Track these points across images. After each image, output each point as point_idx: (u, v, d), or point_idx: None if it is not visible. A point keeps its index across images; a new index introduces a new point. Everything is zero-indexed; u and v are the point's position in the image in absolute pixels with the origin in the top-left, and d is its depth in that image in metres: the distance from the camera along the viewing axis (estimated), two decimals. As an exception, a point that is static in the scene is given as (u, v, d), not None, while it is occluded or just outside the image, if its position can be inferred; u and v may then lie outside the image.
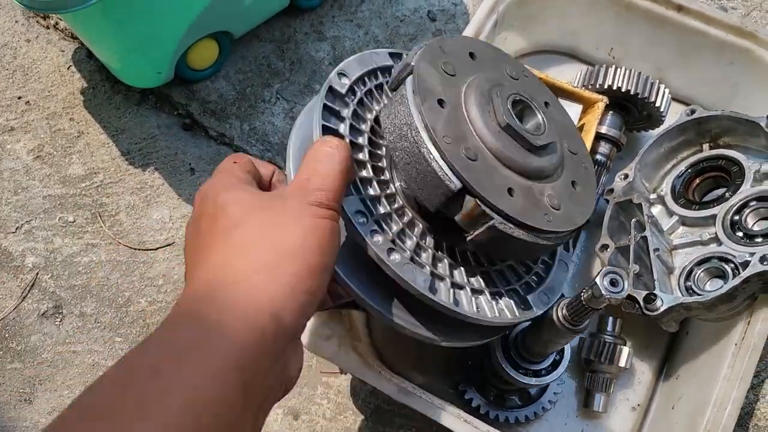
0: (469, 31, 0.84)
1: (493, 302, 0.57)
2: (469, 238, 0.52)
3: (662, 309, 0.71)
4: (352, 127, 0.56)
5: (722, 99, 0.90)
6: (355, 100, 0.57)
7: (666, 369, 0.82)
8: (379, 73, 0.61)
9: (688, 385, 0.76)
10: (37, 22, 1.07)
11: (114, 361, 0.57)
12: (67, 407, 0.33)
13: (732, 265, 0.72)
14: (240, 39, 1.02)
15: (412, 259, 0.53)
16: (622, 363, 0.77)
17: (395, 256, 0.52)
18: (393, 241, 0.52)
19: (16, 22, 1.07)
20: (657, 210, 0.83)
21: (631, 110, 0.86)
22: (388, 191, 0.56)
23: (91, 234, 0.93)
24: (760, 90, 0.86)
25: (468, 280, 0.57)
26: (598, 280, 0.52)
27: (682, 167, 0.83)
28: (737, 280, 0.68)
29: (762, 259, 0.68)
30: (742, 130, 0.79)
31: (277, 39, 1.05)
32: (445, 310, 0.53)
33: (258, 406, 0.39)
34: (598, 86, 0.83)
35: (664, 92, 0.84)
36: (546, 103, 0.60)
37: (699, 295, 0.72)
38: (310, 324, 0.69)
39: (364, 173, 0.55)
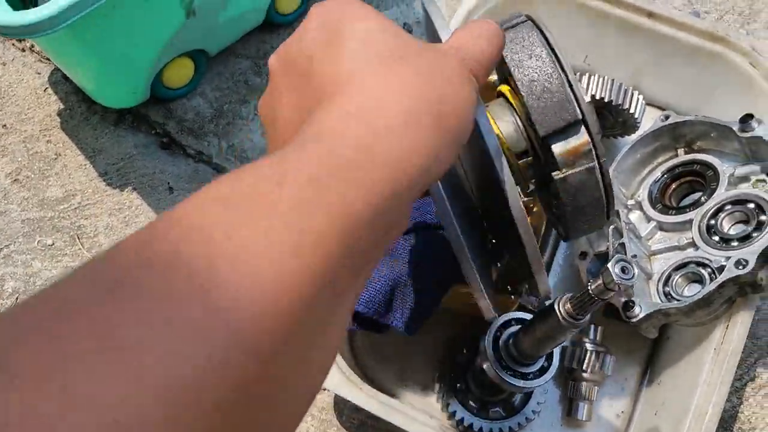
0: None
1: None
2: (559, 177, 0.53)
3: (641, 316, 0.71)
4: None
5: (697, 104, 0.90)
6: None
7: (649, 375, 0.82)
8: None
9: (670, 391, 0.76)
10: (12, 44, 1.07)
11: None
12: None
13: (709, 270, 0.72)
14: (216, 56, 1.02)
15: None
16: (604, 370, 0.77)
17: None
18: None
19: (-10, 45, 1.06)
20: (635, 216, 0.83)
21: (607, 117, 0.86)
22: None
23: (70, 257, 0.92)
24: (733, 94, 0.86)
25: None
26: (609, 266, 0.51)
27: (658, 173, 0.83)
28: (713, 285, 0.68)
29: (737, 264, 0.68)
30: (716, 135, 0.80)
31: (253, 55, 1.05)
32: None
33: (382, 247, 0.35)
34: (572, 94, 0.84)
35: (638, 99, 0.84)
36: None
37: (677, 300, 0.72)
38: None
39: None
